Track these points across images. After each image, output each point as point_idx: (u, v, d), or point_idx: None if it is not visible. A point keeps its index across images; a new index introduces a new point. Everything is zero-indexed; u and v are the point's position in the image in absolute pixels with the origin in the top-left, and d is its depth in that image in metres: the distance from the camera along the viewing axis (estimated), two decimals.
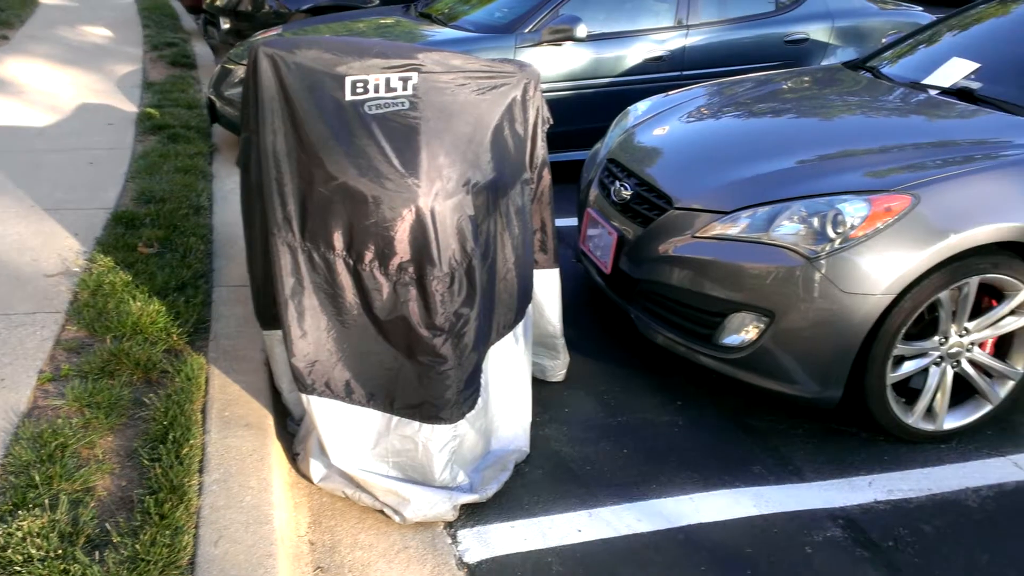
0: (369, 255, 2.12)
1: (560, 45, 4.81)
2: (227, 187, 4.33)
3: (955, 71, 3.30)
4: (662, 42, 5.00)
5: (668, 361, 3.11)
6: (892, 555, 2.24)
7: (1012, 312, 2.60)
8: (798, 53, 5.16)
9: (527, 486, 2.47)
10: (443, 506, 2.26)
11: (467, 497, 2.31)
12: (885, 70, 3.60)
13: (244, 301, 3.06)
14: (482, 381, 2.34)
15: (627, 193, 3.11)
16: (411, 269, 2.12)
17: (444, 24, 5.16)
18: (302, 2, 6.82)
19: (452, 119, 2.21)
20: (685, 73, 5.01)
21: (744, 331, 2.66)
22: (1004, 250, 2.53)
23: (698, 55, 5.04)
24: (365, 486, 2.30)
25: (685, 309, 2.81)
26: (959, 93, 3.17)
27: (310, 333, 2.18)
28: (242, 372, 2.63)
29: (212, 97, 5.15)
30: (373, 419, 2.27)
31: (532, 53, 4.78)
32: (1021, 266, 2.54)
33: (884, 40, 4.19)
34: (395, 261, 2.12)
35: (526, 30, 4.81)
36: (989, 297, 2.63)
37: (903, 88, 3.36)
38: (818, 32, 5.18)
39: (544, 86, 4.82)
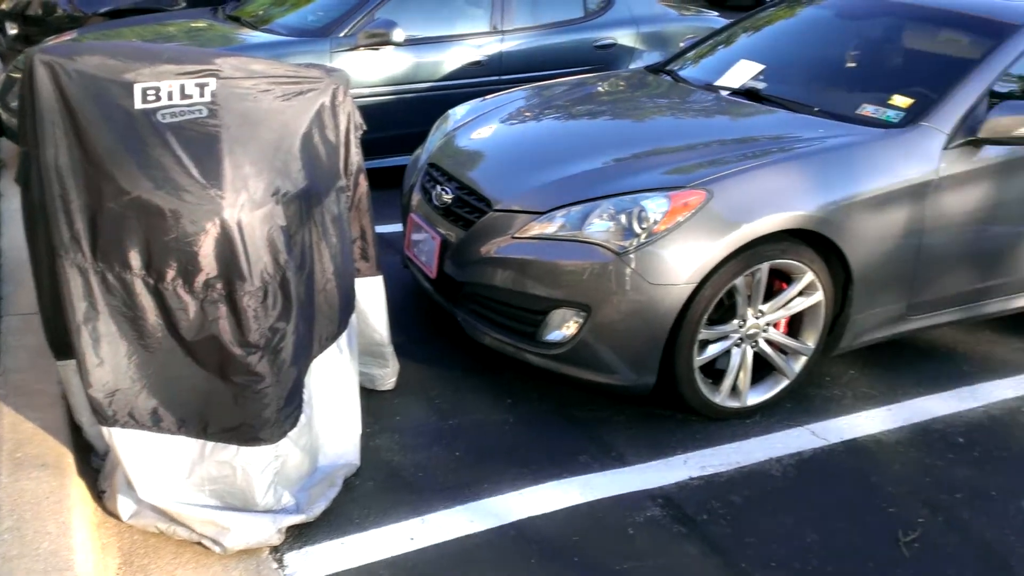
0: (171, 273, 2.02)
1: (378, 49, 4.78)
2: (15, 206, 3.96)
3: (743, 73, 3.57)
4: (479, 47, 5.09)
5: (497, 361, 3.17)
6: (706, 527, 2.40)
7: (800, 293, 2.85)
8: (607, 57, 5.41)
9: (357, 500, 2.43)
10: (267, 531, 2.18)
11: (293, 518, 2.25)
12: (682, 73, 3.84)
13: (37, 330, 2.80)
14: (305, 396, 2.29)
15: (448, 197, 3.14)
16: (219, 285, 2.04)
17: (255, 28, 4.99)
18: (99, 5, 6.35)
19: (256, 127, 2.14)
20: (503, 77, 5.12)
21: (565, 327, 2.76)
22: (790, 237, 2.77)
23: (515, 60, 5.17)
24: (180, 519, 2.17)
25: (509, 309, 2.88)
26: (748, 93, 3.44)
27: (108, 360, 2.04)
28: (36, 408, 2.43)
29: None
30: (186, 447, 2.15)
31: (349, 57, 4.72)
32: (806, 251, 2.79)
33: (681, 44, 4.48)
34: (201, 278, 2.02)
35: (341, 34, 4.74)
36: (780, 281, 2.86)
37: (698, 90, 3.60)
38: (625, 37, 5.45)
39: (364, 91, 4.78)
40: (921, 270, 2.96)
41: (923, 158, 2.89)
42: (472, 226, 2.97)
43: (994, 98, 3.01)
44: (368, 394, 2.89)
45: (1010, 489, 2.60)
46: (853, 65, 3.59)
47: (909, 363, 3.29)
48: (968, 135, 2.93)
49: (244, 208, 2.04)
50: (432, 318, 3.50)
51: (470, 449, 2.70)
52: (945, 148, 2.91)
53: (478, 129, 3.51)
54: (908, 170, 2.86)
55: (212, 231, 2.01)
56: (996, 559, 2.31)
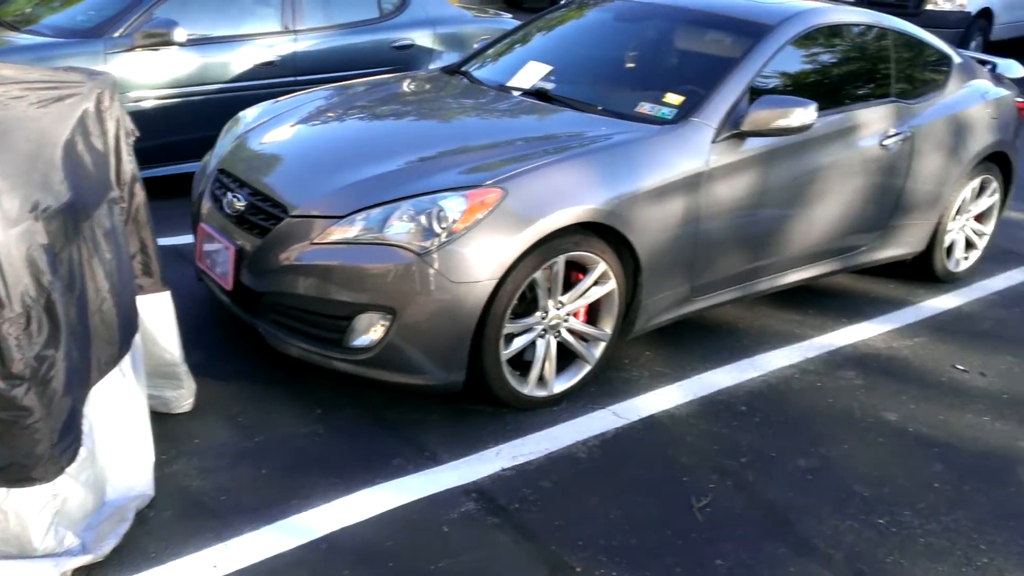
0: None
1: (158, 50, 4.50)
2: None
3: (533, 74, 3.70)
4: (271, 47, 4.92)
5: (305, 371, 3.08)
6: (518, 516, 2.47)
7: (595, 283, 2.99)
8: (406, 58, 5.41)
9: (153, 532, 2.28)
10: None
11: (78, 560, 2.07)
12: (477, 74, 3.92)
13: None
14: (84, 427, 2.11)
15: (241, 204, 3.01)
16: None
17: (17, 29, 4.54)
18: None
19: (7, 136, 1.95)
20: (299, 78, 4.99)
21: (372, 331, 2.74)
22: (583, 230, 2.90)
23: (310, 60, 5.05)
24: None
25: (314, 317, 2.81)
26: (538, 94, 3.56)
27: None
28: None
29: None
30: None
31: (126, 59, 4.41)
32: (598, 243, 2.93)
33: (475, 46, 4.57)
34: None
35: (116, 34, 4.42)
36: (576, 272, 3.00)
37: (492, 91, 3.69)
38: (422, 38, 5.47)
39: (145, 94, 4.48)
40: (700, 255, 3.20)
41: (695, 151, 3.12)
42: (268, 234, 2.87)
43: (755, 94, 3.31)
44: (162, 418, 2.72)
45: (788, 450, 2.87)
46: (632, 66, 3.82)
47: (697, 340, 3.56)
48: (733, 129, 3.20)
49: None
50: (232, 332, 3.35)
51: (277, 465, 2.61)
52: (714, 141, 3.17)
53: (271, 132, 3.40)
54: (682, 163, 3.09)
55: None
56: (778, 515, 2.55)
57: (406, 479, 2.59)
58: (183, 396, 2.78)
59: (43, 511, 2.00)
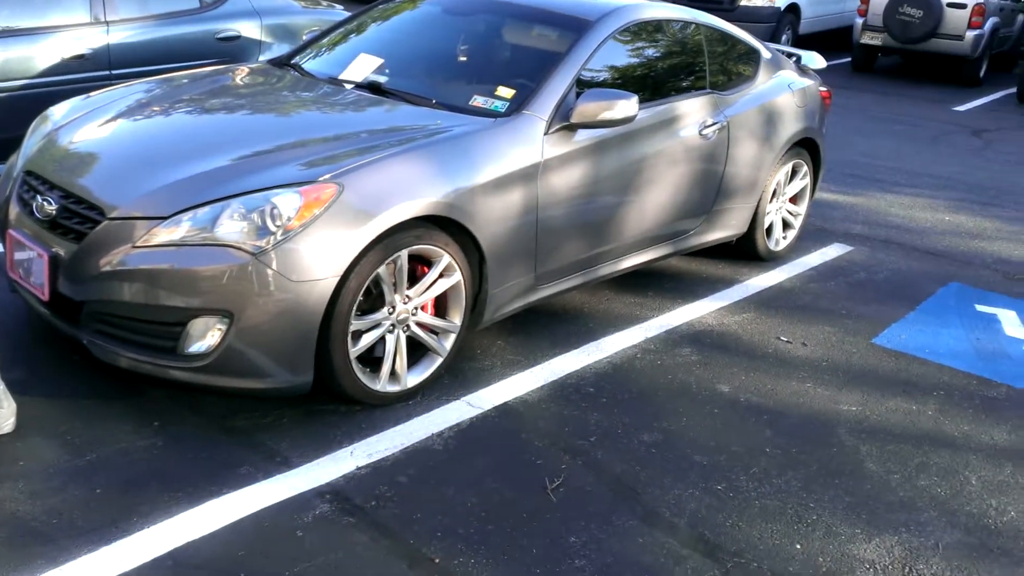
0: None
1: None
2: None
3: (364, 67, 3.65)
4: (80, 39, 4.57)
5: (138, 383, 2.90)
6: (375, 513, 2.44)
7: (441, 275, 3.00)
8: (232, 50, 5.18)
9: None
10: None
11: None
12: (307, 66, 3.82)
13: None
14: None
15: (52, 208, 2.79)
16: None
17: None
18: None
19: None
20: (115, 72, 4.66)
21: (208, 335, 2.62)
22: (425, 223, 2.90)
23: (126, 53, 4.73)
24: None
25: (142, 324, 2.66)
26: (371, 86, 3.52)
27: None
28: None
29: None
30: None
31: None
32: (440, 235, 2.94)
33: (304, 37, 4.45)
34: None
35: None
36: (421, 265, 3.00)
37: (323, 83, 3.61)
38: (248, 29, 5.26)
39: None
40: (542, 244, 3.29)
41: (528, 143, 3.20)
42: (85, 238, 2.68)
43: (582, 87, 3.43)
44: None
45: (633, 426, 3.01)
46: (464, 59, 3.85)
47: (545, 327, 3.65)
48: (563, 121, 3.30)
49: None
50: (54, 345, 3.10)
51: (113, 482, 2.45)
52: (546, 133, 3.25)
53: (84, 129, 3.17)
54: (518, 155, 3.15)
55: None
56: (626, 489, 2.66)
57: (255, 486, 2.50)
58: (3, 416, 2.56)
59: None
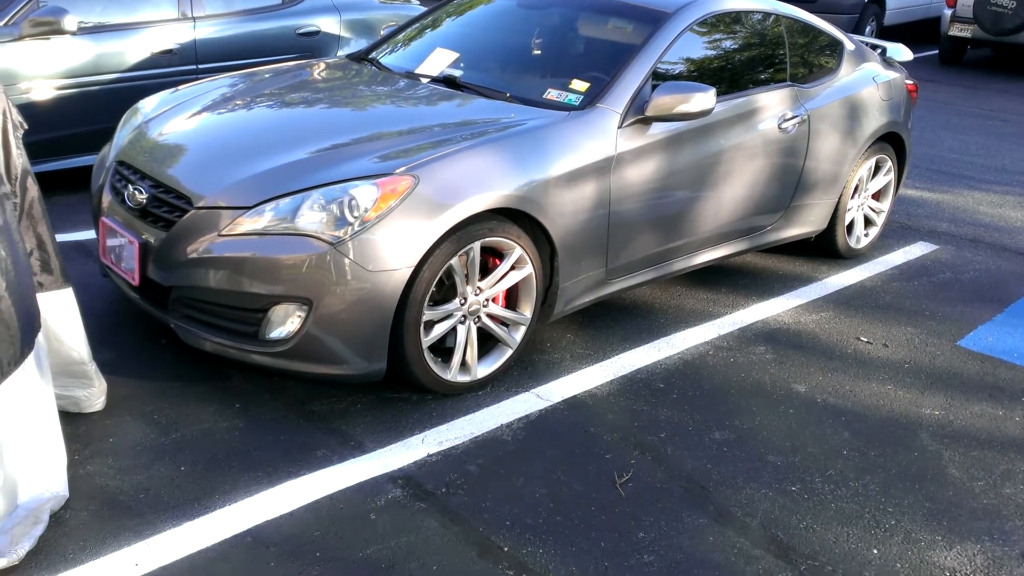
0: None
1: (48, 39, 4.28)
2: None
3: (440, 61, 3.69)
4: (170, 34, 4.75)
5: (222, 365, 3.01)
6: (446, 500, 2.48)
7: (513, 268, 3.02)
8: (312, 45, 5.31)
9: (70, 533, 2.20)
10: None
11: None
12: (384, 61, 3.88)
13: None
14: None
15: (143, 197, 2.91)
16: None
17: None
18: None
19: None
20: (201, 67, 4.83)
21: (288, 322, 2.69)
22: (497, 215, 2.92)
23: (211, 48, 4.89)
24: None
25: (227, 310, 2.75)
26: (446, 80, 3.55)
27: None
28: None
29: None
30: None
31: (14, 49, 4.18)
32: (512, 228, 2.96)
33: (382, 32, 4.52)
34: None
35: (1, 23, 4.18)
36: (493, 257, 3.02)
37: (400, 78, 3.66)
38: (328, 24, 5.38)
39: (36, 84, 4.26)
40: (614, 238, 3.27)
41: (602, 136, 3.18)
42: (173, 226, 2.78)
43: (657, 79, 3.39)
44: (74, 418, 2.62)
45: (704, 423, 2.97)
46: (538, 52, 3.85)
47: (615, 322, 3.63)
48: (638, 114, 3.27)
49: None
50: (144, 328, 3.24)
51: (197, 461, 2.55)
52: (620, 127, 3.23)
53: (172, 121, 3.29)
54: (591, 148, 3.14)
55: None
56: (696, 487, 2.63)
57: (331, 469, 2.56)
58: (94, 395, 2.68)
59: None
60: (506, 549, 2.31)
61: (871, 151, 4.38)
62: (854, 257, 4.55)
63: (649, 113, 3.25)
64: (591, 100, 3.28)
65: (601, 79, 3.37)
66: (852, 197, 4.39)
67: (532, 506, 2.49)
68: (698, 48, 3.74)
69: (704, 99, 3.24)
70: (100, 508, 2.32)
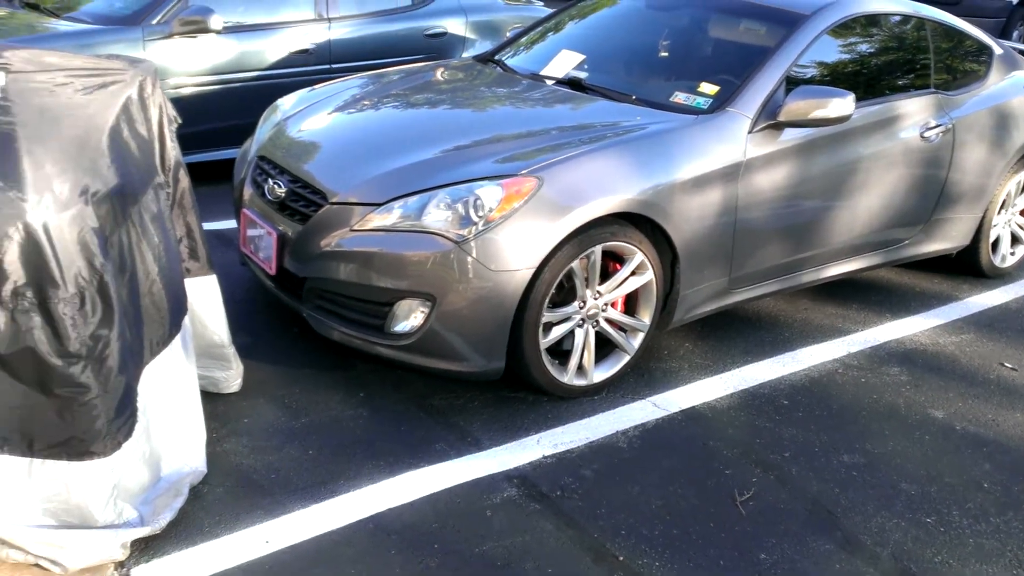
0: None
1: (195, 37, 4.53)
2: None
3: (565, 63, 3.69)
4: (306, 35, 4.94)
5: (348, 355, 3.11)
6: (560, 503, 2.47)
7: (633, 273, 2.98)
8: (439, 46, 5.41)
9: (207, 507, 2.32)
10: (109, 547, 2.04)
11: (137, 532, 2.12)
12: (510, 62, 3.91)
13: None
14: (139, 405, 2.15)
15: (281, 191, 3.03)
16: (29, 293, 1.87)
17: (56, 16, 4.59)
18: None
19: (56, 123, 1.98)
20: (333, 66, 5.01)
21: (412, 317, 2.75)
22: (619, 220, 2.89)
23: (344, 48, 5.07)
24: (12, 542, 2.00)
25: (355, 302, 2.83)
26: (571, 82, 3.55)
27: None
28: None
29: None
30: (10, 466, 1.97)
31: (164, 46, 4.45)
32: (634, 233, 2.92)
33: (508, 34, 4.57)
34: (7, 287, 1.85)
35: (154, 21, 4.46)
36: (614, 262, 2.99)
37: (525, 79, 3.68)
38: (454, 26, 5.47)
39: (185, 81, 4.53)
40: (739, 246, 3.18)
41: (731, 141, 3.10)
42: (309, 220, 2.89)
43: (791, 84, 3.28)
44: (213, 398, 2.76)
45: (832, 445, 2.85)
46: (665, 55, 3.79)
47: (737, 333, 3.54)
48: (769, 119, 3.17)
49: (50, 210, 1.89)
50: (277, 316, 3.38)
51: (324, 446, 2.64)
52: (750, 132, 3.14)
53: (309, 119, 3.41)
54: (719, 153, 3.06)
55: (15, 236, 1.85)
56: (823, 511, 2.53)
57: (449, 463, 2.60)
58: (232, 377, 2.82)
59: (103, 484, 2.04)
60: (621, 558, 2.28)
61: (1021, 164, 4.10)
62: (998, 276, 4.27)
63: (782, 118, 3.14)
64: (720, 104, 3.20)
65: (731, 82, 3.29)
66: (998, 212, 4.12)
67: (648, 517, 2.45)
68: (834, 52, 3.60)
69: (842, 105, 3.11)
70: (235, 485, 2.43)
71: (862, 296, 3.96)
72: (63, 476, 2.00)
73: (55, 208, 1.90)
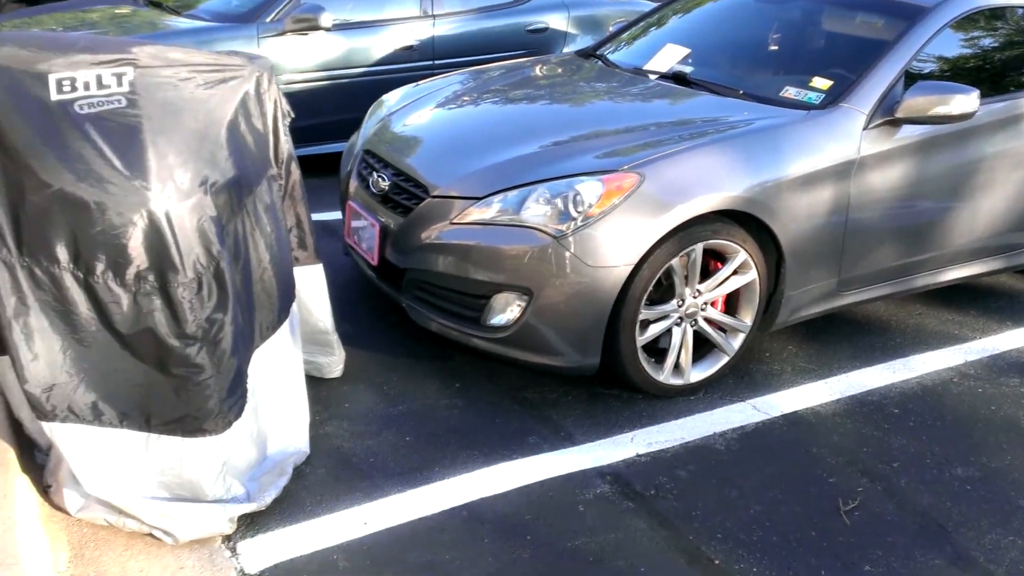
0: (100, 266, 1.95)
1: (306, 34, 4.69)
2: None
3: (670, 57, 3.62)
4: (411, 31, 5.04)
5: (445, 346, 3.16)
6: (654, 502, 2.44)
7: (735, 272, 2.91)
8: (541, 41, 5.42)
9: (309, 487, 2.41)
10: (218, 520, 2.15)
11: (244, 507, 2.22)
12: (612, 57, 3.87)
13: None
14: (249, 386, 2.24)
15: (385, 184, 3.10)
16: (151, 277, 1.98)
17: (177, 13, 4.84)
18: None
19: (179, 116, 2.08)
20: (437, 62, 5.09)
21: (508, 310, 2.77)
22: (723, 217, 2.82)
23: (447, 45, 5.14)
24: (129, 511, 2.13)
25: (453, 294, 2.87)
26: (675, 77, 3.48)
27: (43, 355, 1.97)
28: None
29: None
30: (129, 440, 2.10)
31: (277, 43, 4.62)
32: (738, 231, 2.85)
33: (611, 28, 4.53)
34: (131, 271, 1.96)
35: (268, 19, 4.64)
36: (715, 260, 2.92)
37: (628, 74, 3.64)
38: (556, 21, 5.47)
39: (295, 76, 4.69)
40: (849, 247, 3.06)
41: (844, 138, 2.98)
42: (411, 212, 2.94)
43: (909, 79, 3.12)
44: (315, 382, 2.86)
45: (945, 457, 2.71)
46: (775, 48, 3.68)
47: (844, 337, 3.40)
48: (886, 115, 3.03)
49: (172, 199, 1.99)
50: (377, 305, 3.47)
51: (420, 434, 2.69)
52: (865, 128, 3.01)
53: (413, 114, 3.48)
54: (831, 150, 2.95)
55: (140, 223, 1.96)
56: (933, 525, 2.41)
57: (542, 456, 2.61)
58: (334, 363, 2.91)
59: (213, 460, 2.15)
60: (717, 562, 2.24)
61: None
62: None
63: (899, 115, 3.00)
64: (833, 99, 3.08)
65: (846, 77, 3.16)
66: None
67: (746, 521, 2.39)
68: (955, 46, 3.41)
69: (965, 101, 2.94)
70: (335, 467, 2.51)
71: (981, 302, 3.74)
72: (177, 451, 2.11)
73: (177, 197, 2.00)
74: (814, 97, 3.13)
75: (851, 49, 3.43)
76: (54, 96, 1.94)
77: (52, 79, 1.94)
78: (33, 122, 1.91)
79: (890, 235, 3.14)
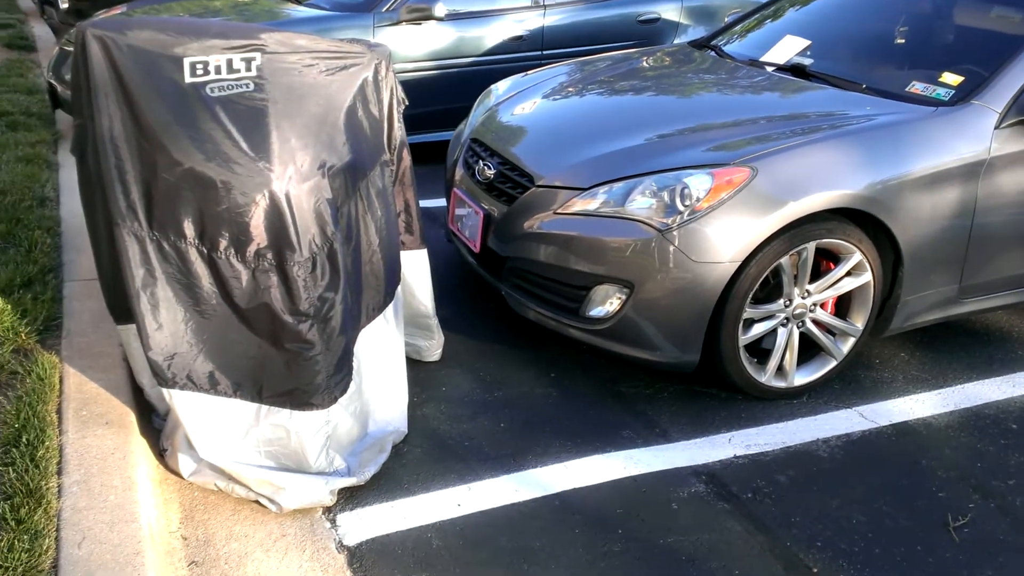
0: (223, 242, 2.06)
1: (420, 24, 4.78)
2: (72, 176, 4.07)
3: (788, 48, 3.51)
4: (521, 21, 5.06)
5: (541, 335, 3.17)
6: (751, 506, 2.39)
7: (848, 274, 2.81)
8: (651, 32, 5.34)
9: (406, 465, 2.47)
10: (320, 492, 2.24)
11: (345, 481, 2.30)
12: (727, 48, 3.78)
13: (99, 295, 2.88)
14: (354, 364, 2.32)
15: (491, 172, 3.14)
16: (270, 255, 2.07)
17: (299, 2, 5.02)
18: None
19: (302, 100, 2.16)
20: (545, 53, 5.09)
21: (608, 302, 2.76)
22: (837, 216, 2.72)
23: (556, 35, 5.13)
24: (238, 478, 2.24)
25: (552, 284, 2.88)
26: (793, 69, 3.37)
27: (166, 325, 2.09)
28: (99, 369, 2.51)
29: (53, 81, 4.80)
30: (241, 409, 2.21)
31: (392, 32, 4.73)
32: (853, 231, 2.74)
33: (727, 19, 4.41)
34: (252, 248, 2.06)
35: (384, 9, 4.75)
36: (827, 260, 2.82)
37: (743, 66, 3.55)
38: (669, 11, 5.37)
39: (407, 66, 4.79)
40: (973, 252, 2.90)
41: (974, 137, 2.82)
42: (515, 201, 2.97)
43: None
44: (415, 365, 2.93)
45: None
46: (902, 41, 3.51)
47: (961, 347, 3.23)
48: (1020, 114, 2.85)
49: (292, 180, 2.07)
50: (477, 292, 3.52)
51: (515, 420, 2.72)
52: (997, 127, 2.84)
53: (520, 104, 3.50)
54: (958, 149, 2.80)
55: (262, 203, 2.04)
56: None
57: (635, 451, 2.59)
58: (433, 346, 2.97)
59: (318, 434, 2.23)
60: (815, 570, 2.17)
61: None
62: None
63: None
64: (964, 96, 2.92)
65: (978, 73, 2.98)
66: None
67: (848, 531, 2.31)
68: None
69: None
70: (432, 448, 2.57)
71: None
72: (285, 423, 2.21)
73: (297, 179, 2.08)
74: (943, 93, 2.98)
75: (984, 44, 3.23)
76: (188, 79, 2.04)
77: (187, 62, 2.04)
78: (168, 103, 2.02)
79: (1018, 241, 2.96)
